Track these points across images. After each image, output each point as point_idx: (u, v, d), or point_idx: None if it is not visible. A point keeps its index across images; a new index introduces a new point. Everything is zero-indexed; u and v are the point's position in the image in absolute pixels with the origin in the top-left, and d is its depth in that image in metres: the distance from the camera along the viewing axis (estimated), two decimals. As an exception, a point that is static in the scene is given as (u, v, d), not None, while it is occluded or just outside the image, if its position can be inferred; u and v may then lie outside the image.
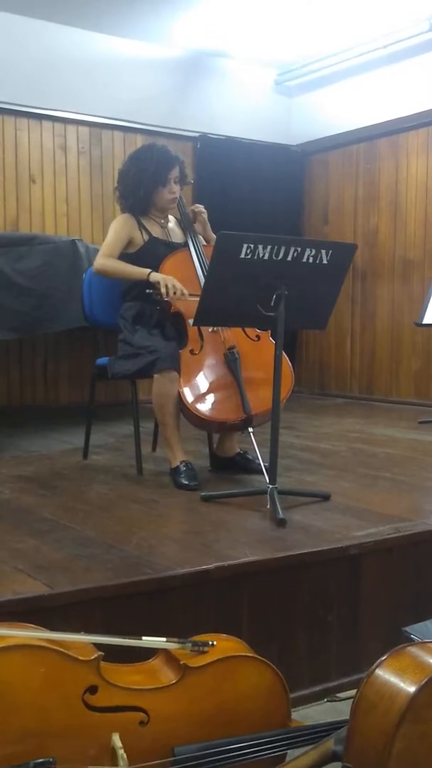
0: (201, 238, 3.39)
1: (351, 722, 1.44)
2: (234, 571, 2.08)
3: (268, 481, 2.63)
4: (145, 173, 3.22)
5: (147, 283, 3.10)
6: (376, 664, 1.46)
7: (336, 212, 6.27)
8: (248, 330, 3.16)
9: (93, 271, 3.25)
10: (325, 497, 2.78)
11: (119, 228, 3.26)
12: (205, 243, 3.37)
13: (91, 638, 1.51)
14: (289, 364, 3.01)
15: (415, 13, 5.17)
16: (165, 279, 3.05)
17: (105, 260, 3.21)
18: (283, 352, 2.70)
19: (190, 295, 3.01)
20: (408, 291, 5.73)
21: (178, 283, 3.04)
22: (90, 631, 1.60)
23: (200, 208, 3.41)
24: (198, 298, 2.70)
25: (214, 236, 3.36)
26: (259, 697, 1.62)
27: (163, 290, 3.02)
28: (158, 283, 3.05)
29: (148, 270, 3.11)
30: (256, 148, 6.21)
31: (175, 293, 3.02)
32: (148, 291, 3.08)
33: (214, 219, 3.48)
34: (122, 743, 1.43)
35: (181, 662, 1.54)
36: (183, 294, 3.03)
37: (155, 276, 3.08)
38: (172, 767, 1.48)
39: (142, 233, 3.26)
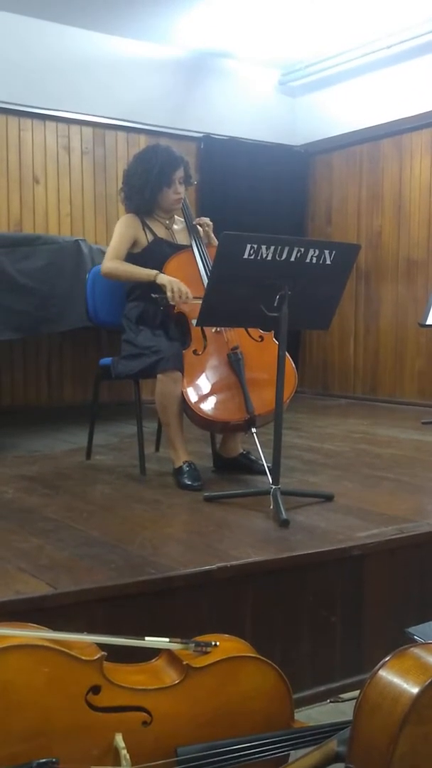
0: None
1: (354, 723, 1.44)
2: (237, 572, 2.08)
3: (271, 481, 2.63)
4: (150, 174, 3.22)
5: (153, 286, 3.11)
6: (379, 665, 1.45)
7: (339, 213, 6.27)
8: (251, 330, 3.16)
9: (101, 274, 3.26)
10: (329, 498, 2.78)
11: (123, 229, 3.26)
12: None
13: (94, 638, 1.51)
14: (293, 364, 3.01)
15: (419, 13, 5.16)
16: (171, 282, 3.05)
17: (112, 263, 3.21)
18: (287, 353, 2.70)
19: (195, 297, 3.02)
20: (412, 292, 5.73)
21: (184, 286, 3.05)
22: (93, 631, 1.60)
23: (205, 220, 3.39)
24: (201, 300, 2.70)
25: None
26: (262, 698, 1.61)
27: (169, 294, 3.04)
28: (164, 286, 3.06)
29: (155, 272, 3.12)
30: (259, 148, 6.21)
31: (180, 297, 3.03)
32: (153, 295, 3.09)
33: (217, 219, 3.47)
34: (125, 743, 1.43)
35: (184, 662, 1.54)
36: (188, 298, 3.04)
37: (162, 278, 3.09)
38: (175, 768, 1.49)
39: (146, 234, 3.27)
